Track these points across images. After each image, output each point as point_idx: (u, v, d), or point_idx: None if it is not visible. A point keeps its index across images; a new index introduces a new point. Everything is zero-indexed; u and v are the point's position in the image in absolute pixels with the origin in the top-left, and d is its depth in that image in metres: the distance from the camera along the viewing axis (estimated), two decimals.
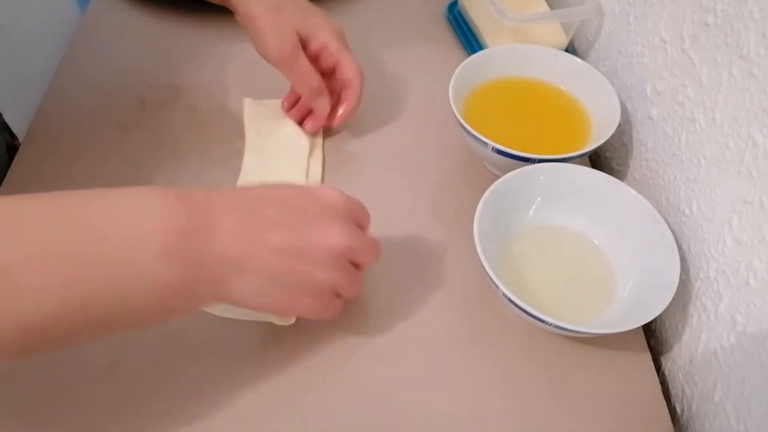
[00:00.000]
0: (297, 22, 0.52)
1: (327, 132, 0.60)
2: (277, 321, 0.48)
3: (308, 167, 0.57)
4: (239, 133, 0.59)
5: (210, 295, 0.37)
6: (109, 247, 0.32)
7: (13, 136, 0.65)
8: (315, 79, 0.54)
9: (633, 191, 0.50)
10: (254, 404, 0.44)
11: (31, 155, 0.57)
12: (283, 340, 0.47)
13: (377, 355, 0.47)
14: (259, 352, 0.46)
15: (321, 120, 0.57)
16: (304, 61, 0.53)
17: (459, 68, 0.57)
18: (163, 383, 0.45)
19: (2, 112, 0.63)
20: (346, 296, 0.42)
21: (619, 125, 0.54)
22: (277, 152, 0.57)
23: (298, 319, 0.48)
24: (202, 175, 0.56)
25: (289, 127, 0.59)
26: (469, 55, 0.60)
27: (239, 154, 0.57)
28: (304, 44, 0.53)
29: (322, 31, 0.53)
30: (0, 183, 0.55)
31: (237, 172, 0.56)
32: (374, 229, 0.54)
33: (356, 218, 0.42)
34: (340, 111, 0.57)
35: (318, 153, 0.58)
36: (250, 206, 0.38)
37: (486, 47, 0.65)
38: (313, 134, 0.58)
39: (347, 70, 0.55)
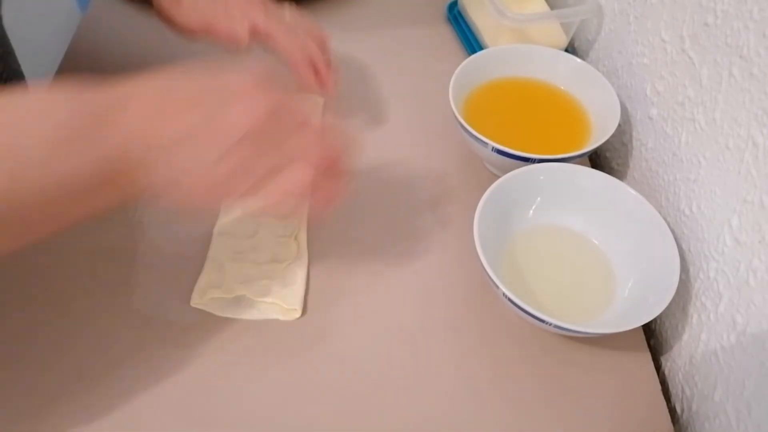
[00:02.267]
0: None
1: None
2: (282, 317, 0.48)
3: None
4: None
5: (128, 184, 0.35)
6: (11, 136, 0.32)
7: None
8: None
9: (633, 191, 0.50)
10: (256, 400, 0.44)
11: None
12: (283, 337, 0.47)
13: (377, 354, 0.47)
14: (262, 349, 0.46)
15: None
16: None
17: (459, 68, 0.57)
18: (164, 383, 0.45)
19: None
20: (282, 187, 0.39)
21: (619, 125, 0.54)
22: None
23: (300, 317, 0.48)
24: None
25: None
26: (469, 55, 0.60)
27: None
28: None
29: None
30: None
31: None
32: (374, 230, 0.54)
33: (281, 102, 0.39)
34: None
35: None
36: (160, 97, 0.36)
37: (486, 47, 0.65)
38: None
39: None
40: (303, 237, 0.52)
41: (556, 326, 0.43)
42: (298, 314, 0.48)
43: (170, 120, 0.36)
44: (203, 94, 0.37)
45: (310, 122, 0.41)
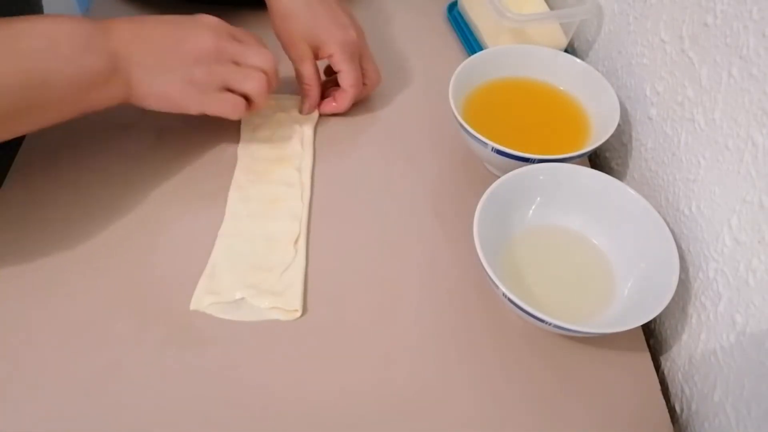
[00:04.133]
0: (307, 31, 0.57)
1: (323, 128, 0.61)
2: (282, 317, 0.48)
3: (301, 162, 0.57)
4: (238, 131, 0.59)
5: (121, 89, 0.48)
6: (37, 42, 0.44)
7: None
8: (308, 85, 0.60)
9: (632, 191, 0.50)
10: (258, 400, 0.44)
11: (32, 155, 0.57)
12: (285, 337, 0.47)
13: (376, 354, 0.47)
14: (263, 350, 0.46)
15: (311, 107, 0.61)
16: (308, 68, 0.59)
17: (459, 68, 0.57)
18: (165, 386, 0.45)
19: None
20: (244, 90, 0.52)
21: (619, 125, 0.54)
22: (269, 154, 0.58)
23: (301, 316, 0.48)
24: (200, 173, 0.56)
25: (285, 128, 0.60)
26: (469, 55, 0.60)
27: (235, 152, 0.58)
28: (315, 51, 0.58)
29: (329, 43, 0.57)
30: (2, 180, 0.55)
31: (232, 169, 0.56)
32: (374, 230, 0.54)
33: (233, 35, 0.53)
34: (329, 104, 0.61)
35: (309, 150, 0.58)
36: (144, 33, 0.49)
37: (486, 47, 0.65)
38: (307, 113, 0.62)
39: (343, 81, 0.59)
40: (303, 242, 0.52)
41: (555, 326, 0.43)
42: (298, 314, 0.48)
43: (146, 42, 0.49)
44: (171, 24, 0.50)
45: (261, 43, 0.54)
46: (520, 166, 0.51)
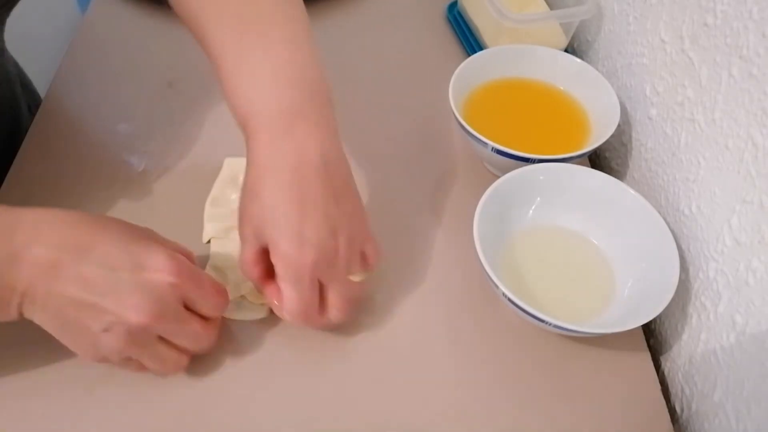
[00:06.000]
0: (256, 226, 0.41)
1: None
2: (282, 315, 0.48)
3: None
4: (236, 131, 0.59)
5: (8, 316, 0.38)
6: None
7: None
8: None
9: (632, 191, 0.50)
10: (258, 398, 0.44)
11: (33, 154, 0.57)
12: (283, 339, 0.47)
13: (377, 354, 0.47)
14: (262, 348, 0.46)
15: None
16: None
17: (459, 68, 0.57)
18: (165, 385, 0.45)
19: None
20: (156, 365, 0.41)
21: (619, 125, 0.54)
22: None
23: None
24: (201, 172, 0.56)
25: None
26: (469, 55, 0.60)
27: (234, 152, 0.58)
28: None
29: (273, 253, 0.41)
30: (1, 182, 0.55)
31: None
32: (374, 229, 0.54)
33: (185, 294, 0.40)
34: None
35: None
36: (66, 252, 0.37)
37: (486, 47, 0.65)
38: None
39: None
40: None
41: (555, 326, 0.43)
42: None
43: (60, 283, 0.36)
44: (103, 270, 0.37)
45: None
46: (520, 166, 0.51)
